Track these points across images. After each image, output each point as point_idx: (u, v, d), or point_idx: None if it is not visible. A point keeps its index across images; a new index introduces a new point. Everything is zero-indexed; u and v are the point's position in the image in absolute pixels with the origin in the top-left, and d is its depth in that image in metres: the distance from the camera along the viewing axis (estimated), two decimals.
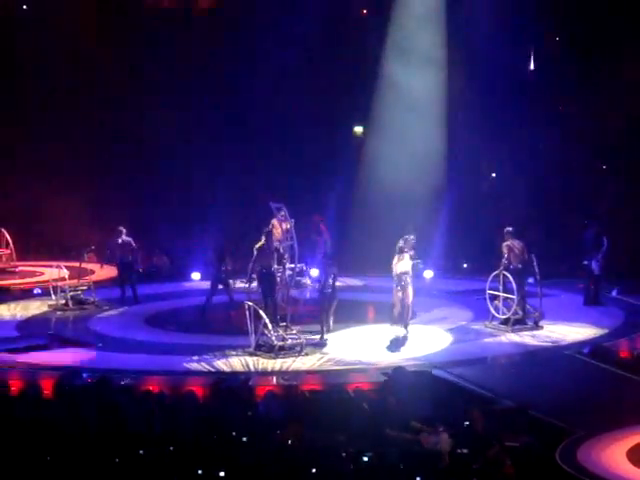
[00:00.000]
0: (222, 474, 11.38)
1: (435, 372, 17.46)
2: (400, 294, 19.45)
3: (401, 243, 19.53)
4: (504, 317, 20.53)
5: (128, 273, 23.99)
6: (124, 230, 23.91)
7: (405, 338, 19.42)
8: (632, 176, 28.11)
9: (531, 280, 21.08)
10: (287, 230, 20.13)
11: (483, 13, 27.92)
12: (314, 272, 24.21)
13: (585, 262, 22.53)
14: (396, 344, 19.27)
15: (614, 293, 23.67)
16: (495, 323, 20.71)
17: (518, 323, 20.50)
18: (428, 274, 24.95)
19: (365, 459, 12.14)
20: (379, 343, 19.40)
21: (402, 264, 19.39)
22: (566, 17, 28.85)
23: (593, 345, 19.29)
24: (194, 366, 18.52)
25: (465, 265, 27.45)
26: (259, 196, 25.36)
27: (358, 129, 31.15)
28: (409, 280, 19.39)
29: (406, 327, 19.55)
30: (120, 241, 23.79)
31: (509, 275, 20.36)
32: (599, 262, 22.44)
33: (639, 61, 27.61)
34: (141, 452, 12.00)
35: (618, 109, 28.41)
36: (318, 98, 30.06)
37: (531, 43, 29.89)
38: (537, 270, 20.58)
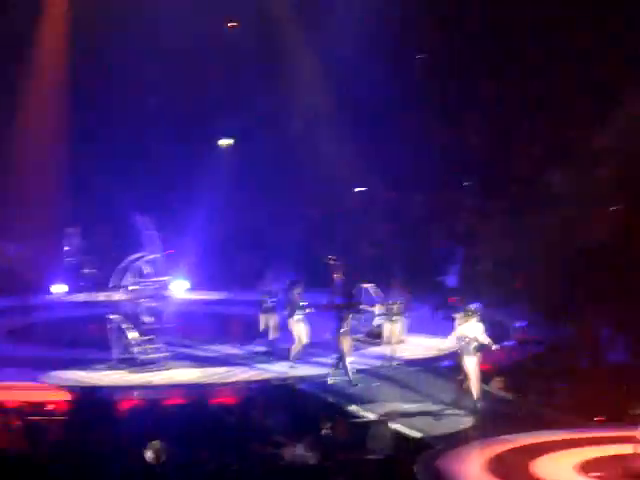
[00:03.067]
0: None
1: (298, 386, 17.61)
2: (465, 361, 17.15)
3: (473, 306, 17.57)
4: (377, 331, 20.60)
5: None
6: None
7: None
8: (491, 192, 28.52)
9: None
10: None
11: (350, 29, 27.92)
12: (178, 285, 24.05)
13: (439, 278, 23.00)
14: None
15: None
16: (362, 336, 20.95)
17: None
18: None
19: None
20: None
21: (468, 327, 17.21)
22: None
23: (452, 358, 19.66)
24: (55, 380, 18.18)
25: None
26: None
27: (224, 141, 31.04)
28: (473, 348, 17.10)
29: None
30: None
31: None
32: (455, 275, 22.93)
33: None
34: None
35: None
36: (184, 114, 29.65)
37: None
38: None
